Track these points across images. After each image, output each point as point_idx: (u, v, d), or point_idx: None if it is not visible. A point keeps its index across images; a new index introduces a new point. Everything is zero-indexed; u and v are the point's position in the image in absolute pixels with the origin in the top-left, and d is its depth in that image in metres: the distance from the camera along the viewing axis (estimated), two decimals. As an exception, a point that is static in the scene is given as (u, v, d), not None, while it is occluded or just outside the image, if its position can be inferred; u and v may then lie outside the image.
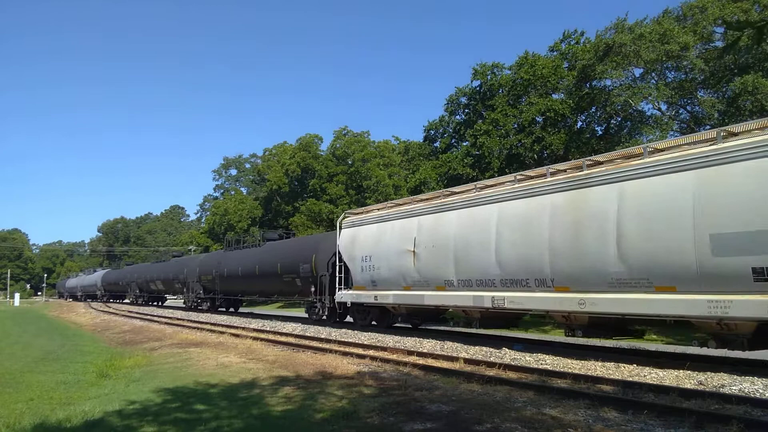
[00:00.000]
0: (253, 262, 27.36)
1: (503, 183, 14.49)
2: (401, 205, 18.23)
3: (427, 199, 17.02)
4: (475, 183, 15.45)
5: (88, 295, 69.83)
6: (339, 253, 19.65)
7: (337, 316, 21.17)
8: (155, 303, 48.73)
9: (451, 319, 18.17)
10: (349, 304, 19.76)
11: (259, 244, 29.50)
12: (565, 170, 12.86)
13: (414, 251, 16.00)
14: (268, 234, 30.70)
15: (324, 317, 21.61)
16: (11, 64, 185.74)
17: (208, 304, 33.86)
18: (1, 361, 14.06)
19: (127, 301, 54.92)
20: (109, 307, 46.54)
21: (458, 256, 14.54)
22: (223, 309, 33.41)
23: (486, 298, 13.60)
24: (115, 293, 59.57)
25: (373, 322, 19.39)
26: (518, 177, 13.85)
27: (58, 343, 19.24)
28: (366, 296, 18.36)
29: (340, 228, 20.09)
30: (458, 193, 15.94)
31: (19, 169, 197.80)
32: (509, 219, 13.19)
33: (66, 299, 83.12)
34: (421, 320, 18.29)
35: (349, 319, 21.06)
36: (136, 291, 48.77)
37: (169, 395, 8.56)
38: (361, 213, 20.07)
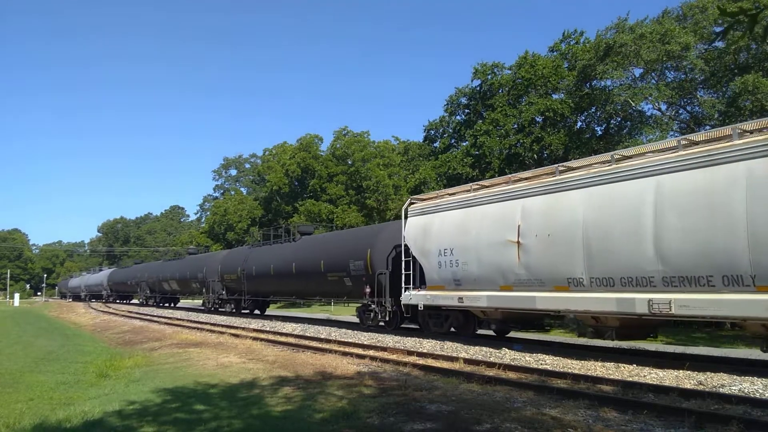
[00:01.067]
0: (288, 260, 24.22)
1: (659, 150, 11.26)
2: (489, 186, 15.14)
3: (531, 177, 13.84)
4: (611, 153, 12.19)
5: (92, 296, 66.80)
6: (405, 246, 16.77)
7: (400, 321, 18.28)
8: (168, 304, 44.95)
9: (569, 327, 16.21)
10: (421, 307, 16.44)
11: (293, 239, 26.50)
12: (761, 129, 9.89)
13: (519, 242, 12.97)
14: (303, 227, 27.73)
15: (382, 323, 18.60)
16: (11, 65, 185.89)
17: (232, 305, 30.75)
18: (1, 362, 14.06)
19: (135, 301, 51.79)
20: (109, 308, 46.45)
21: (591, 247, 11.43)
22: (248, 311, 30.44)
23: (639, 301, 10.53)
24: (123, 293, 56.41)
25: (452, 329, 16.31)
26: (682, 142, 10.73)
27: (58, 344, 19.24)
28: (446, 298, 15.30)
29: (406, 216, 17.13)
30: (581, 167, 12.66)
31: (19, 170, 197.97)
32: (676, 196, 10.20)
33: (68, 299, 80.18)
34: (520, 326, 15.89)
35: (409, 324, 18.65)
36: (146, 291, 45.05)
37: (168, 395, 8.56)
38: (433, 198, 17.00)
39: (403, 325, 18.53)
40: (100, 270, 70.17)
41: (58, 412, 7.86)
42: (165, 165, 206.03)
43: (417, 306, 16.49)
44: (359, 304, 20.13)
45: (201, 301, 36.99)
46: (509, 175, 15.34)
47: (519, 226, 13.10)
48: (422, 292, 16.21)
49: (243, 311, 30.37)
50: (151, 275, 43.92)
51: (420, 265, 16.34)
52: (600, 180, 11.68)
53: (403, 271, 16.77)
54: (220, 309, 31.86)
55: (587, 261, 11.55)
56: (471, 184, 16.15)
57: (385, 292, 18.07)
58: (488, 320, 15.10)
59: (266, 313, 30.93)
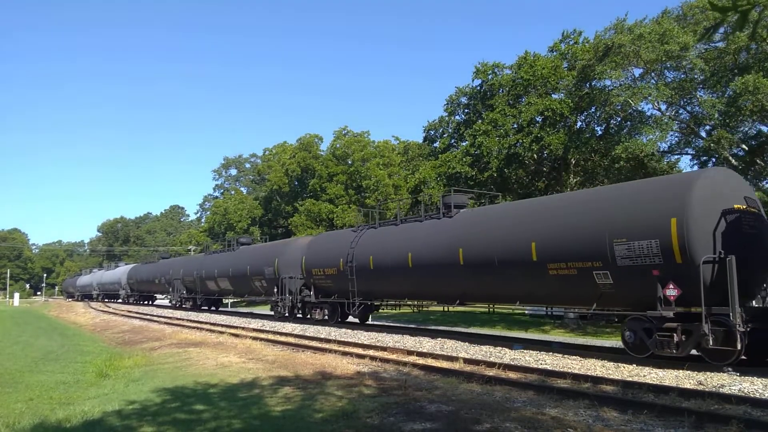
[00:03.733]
0: (430, 246, 16.78)
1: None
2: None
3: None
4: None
5: (107, 296, 59.95)
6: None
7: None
8: (211, 308, 36.98)
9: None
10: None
11: (422, 219, 18.45)
12: None
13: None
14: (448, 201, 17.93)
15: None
16: (8, 58, 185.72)
17: (326, 312, 22.21)
18: (1, 361, 14.05)
19: (166, 302, 44.21)
20: (109, 307, 46.41)
21: None
22: (357, 321, 21.81)
23: None
24: (147, 293, 49.31)
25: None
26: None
27: (58, 343, 19.24)
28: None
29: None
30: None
31: (19, 169, 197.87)
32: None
33: (77, 299, 71.78)
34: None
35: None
36: (181, 291, 37.51)
37: (168, 395, 8.56)
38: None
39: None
40: (117, 266, 62.41)
41: (57, 411, 7.86)
42: (165, 165, 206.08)
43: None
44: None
45: (269, 306, 28.08)
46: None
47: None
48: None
49: (342, 320, 21.82)
50: (188, 271, 36.18)
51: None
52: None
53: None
54: (310, 316, 23.15)
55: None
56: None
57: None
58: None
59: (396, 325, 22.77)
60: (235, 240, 33.96)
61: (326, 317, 22.28)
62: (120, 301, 53.63)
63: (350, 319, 21.74)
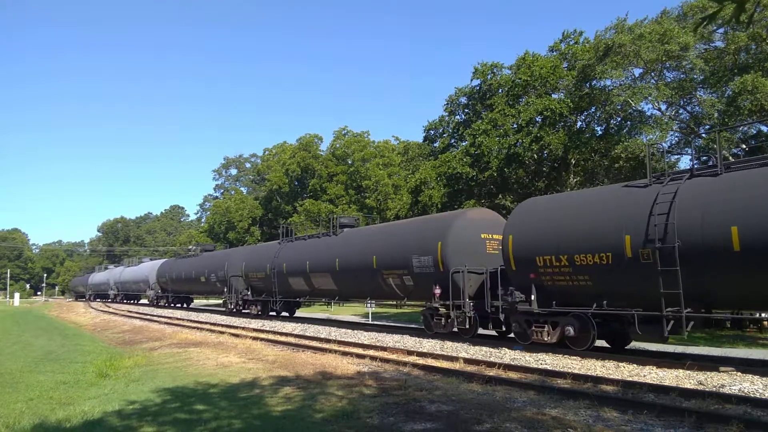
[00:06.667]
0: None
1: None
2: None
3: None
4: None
5: (127, 296, 52.57)
6: None
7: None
8: (287, 314, 28.15)
9: None
10: None
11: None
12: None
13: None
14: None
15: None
16: (8, 56, 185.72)
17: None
18: (1, 361, 14.05)
19: (209, 303, 36.81)
20: (109, 307, 46.29)
21: None
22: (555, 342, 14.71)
23: None
24: (185, 294, 40.39)
25: None
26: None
27: (58, 343, 19.24)
28: None
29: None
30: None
31: (19, 169, 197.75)
32: None
33: (89, 299, 63.31)
34: None
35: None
36: (242, 292, 29.25)
37: (168, 395, 8.56)
38: None
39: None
40: (141, 262, 54.02)
41: (57, 411, 7.86)
42: (165, 165, 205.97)
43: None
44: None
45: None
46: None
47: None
48: None
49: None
50: (255, 265, 27.60)
51: None
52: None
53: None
54: (457, 327, 16.03)
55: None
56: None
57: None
58: None
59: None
60: (333, 218, 24.05)
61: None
62: (147, 303, 46.02)
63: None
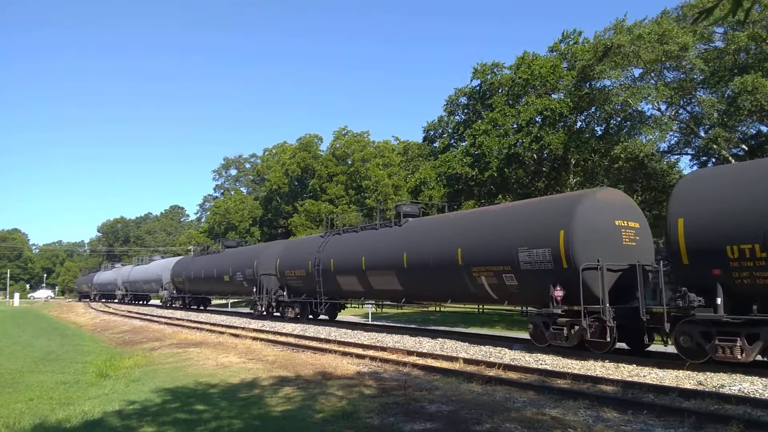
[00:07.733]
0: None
1: None
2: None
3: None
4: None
5: (137, 296, 49.59)
6: None
7: None
8: (329, 320, 24.64)
9: None
10: None
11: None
12: None
13: None
14: None
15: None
16: (7, 56, 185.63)
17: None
18: (1, 361, 14.05)
19: (247, 309, 32.93)
20: (109, 307, 46.23)
21: None
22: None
23: None
24: (204, 295, 37.01)
25: None
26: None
27: (58, 343, 19.24)
28: None
29: None
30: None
31: (20, 169, 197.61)
32: None
33: (94, 300, 60.15)
34: None
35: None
36: (276, 292, 25.91)
37: (168, 395, 8.56)
38: None
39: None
40: (152, 259, 51.33)
41: (57, 412, 7.86)
42: (165, 165, 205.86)
43: None
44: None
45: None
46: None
47: None
48: None
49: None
50: (291, 262, 24.56)
51: None
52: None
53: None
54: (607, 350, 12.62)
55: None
56: None
57: None
58: None
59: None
60: (397, 209, 20.50)
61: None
62: (160, 304, 42.75)
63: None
